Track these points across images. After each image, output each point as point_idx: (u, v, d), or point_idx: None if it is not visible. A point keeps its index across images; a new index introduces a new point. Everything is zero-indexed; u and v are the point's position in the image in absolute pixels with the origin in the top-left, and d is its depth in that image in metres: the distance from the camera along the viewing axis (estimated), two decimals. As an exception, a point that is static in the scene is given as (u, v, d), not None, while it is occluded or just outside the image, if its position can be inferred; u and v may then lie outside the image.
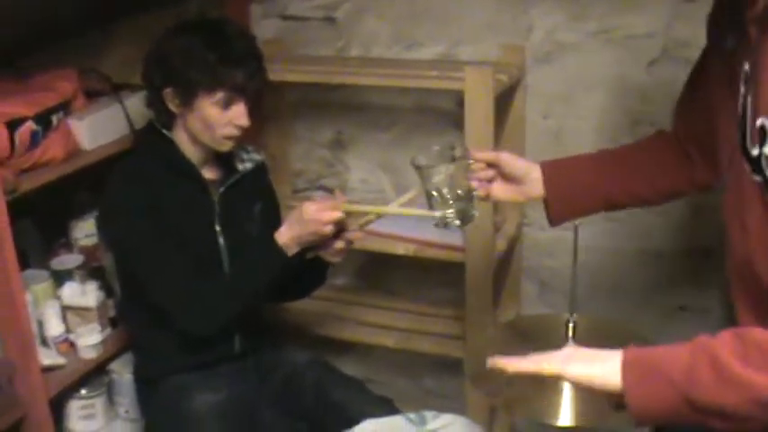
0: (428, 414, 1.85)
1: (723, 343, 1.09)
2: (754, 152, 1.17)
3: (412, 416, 1.86)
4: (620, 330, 1.83)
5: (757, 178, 1.17)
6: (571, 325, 1.64)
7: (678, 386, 1.09)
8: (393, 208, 1.88)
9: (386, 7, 2.60)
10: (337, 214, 1.86)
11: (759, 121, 1.15)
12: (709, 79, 1.45)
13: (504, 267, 2.59)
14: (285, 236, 1.91)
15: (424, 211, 1.73)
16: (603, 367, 1.15)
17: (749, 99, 1.19)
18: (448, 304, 2.68)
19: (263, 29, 2.68)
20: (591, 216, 1.74)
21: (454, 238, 2.31)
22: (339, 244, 1.93)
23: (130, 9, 2.49)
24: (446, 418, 1.84)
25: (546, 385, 1.47)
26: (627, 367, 1.13)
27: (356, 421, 1.84)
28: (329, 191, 2.78)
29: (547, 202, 1.72)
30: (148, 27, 2.40)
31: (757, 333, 1.08)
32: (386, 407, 2.00)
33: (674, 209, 2.38)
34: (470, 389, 2.38)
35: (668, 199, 1.72)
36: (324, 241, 1.92)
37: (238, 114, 1.97)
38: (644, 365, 1.13)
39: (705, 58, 1.52)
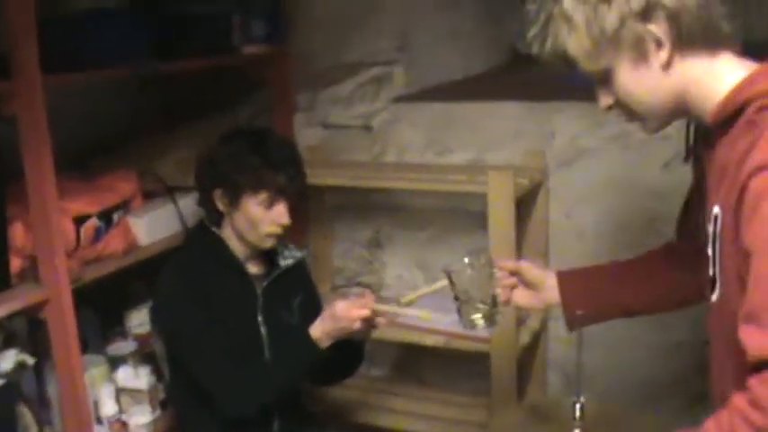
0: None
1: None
2: (709, 251, 1.32)
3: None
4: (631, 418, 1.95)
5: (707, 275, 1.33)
6: (578, 406, 1.77)
7: None
8: (416, 311, 2.04)
9: (419, 116, 2.81)
10: (365, 312, 2.01)
11: (708, 228, 1.31)
12: (697, 195, 1.59)
13: (528, 359, 2.72)
14: (318, 330, 2.06)
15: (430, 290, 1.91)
16: None
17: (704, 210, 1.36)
18: (476, 393, 2.79)
19: (306, 136, 2.91)
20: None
21: (481, 331, 2.45)
22: (368, 331, 2.09)
23: (188, 116, 2.74)
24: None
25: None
26: None
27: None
28: (366, 287, 2.95)
29: (563, 308, 1.84)
30: (202, 132, 2.66)
31: (736, 399, 1.19)
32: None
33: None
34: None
35: (680, 306, 1.81)
36: (354, 332, 2.08)
37: (280, 214, 2.16)
38: None
39: (694, 174, 1.63)
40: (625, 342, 2.64)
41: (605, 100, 1.43)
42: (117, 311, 2.66)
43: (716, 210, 1.27)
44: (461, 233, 2.81)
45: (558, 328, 2.71)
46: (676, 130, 2.43)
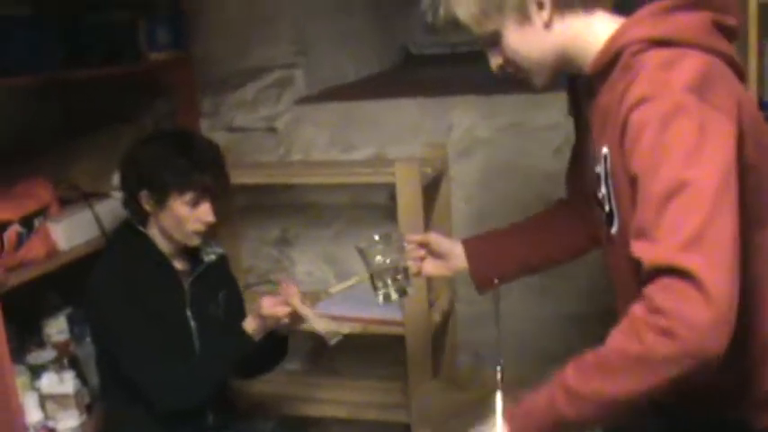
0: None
1: (568, 369, 1.37)
2: (599, 194, 1.48)
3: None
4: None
5: (602, 215, 1.49)
6: (499, 368, 1.90)
7: (549, 419, 1.38)
8: (335, 289, 2.13)
9: (321, 116, 2.92)
10: (287, 309, 2.10)
11: (596, 170, 1.46)
12: (581, 149, 1.75)
13: (440, 341, 2.85)
14: (251, 326, 2.16)
15: (356, 280, 2.02)
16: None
17: (592, 155, 1.51)
18: (391, 379, 2.92)
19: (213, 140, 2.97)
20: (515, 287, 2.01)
21: (394, 315, 2.58)
22: (295, 321, 2.18)
23: (91, 123, 2.78)
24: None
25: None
26: (509, 423, 1.45)
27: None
28: (276, 284, 3.02)
29: (471, 273, 1.98)
30: (110, 141, 2.71)
31: (588, 354, 1.35)
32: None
33: (584, 275, 2.68)
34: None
35: (575, 256, 1.97)
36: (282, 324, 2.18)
37: (205, 212, 2.23)
38: (519, 416, 1.44)
39: (577, 132, 1.78)
40: (520, 316, 2.79)
41: (495, 60, 1.56)
42: (32, 321, 2.67)
43: (604, 150, 1.42)
44: (368, 226, 2.91)
45: (463, 309, 2.88)
46: (564, 118, 2.63)
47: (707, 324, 1.18)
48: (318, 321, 2.12)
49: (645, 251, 1.25)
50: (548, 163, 2.67)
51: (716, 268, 1.19)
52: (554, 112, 2.63)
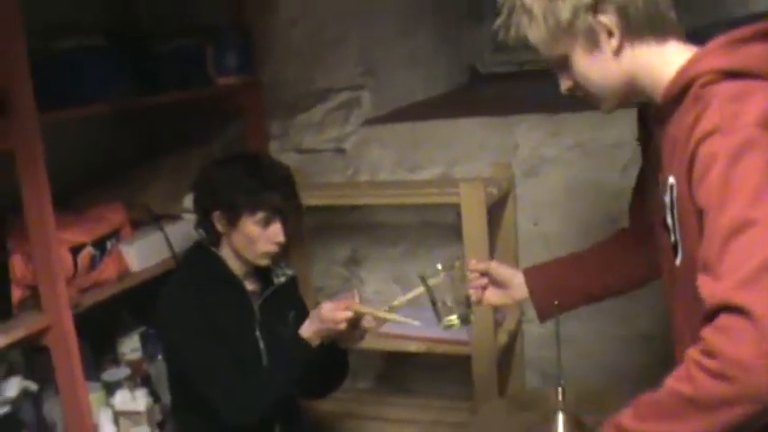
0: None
1: (625, 409, 1.36)
2: (667, 221, 1.46)
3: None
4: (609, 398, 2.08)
5: (668, 243, 1.47)
6: (560, 389, 1.90)
7: None
8: (397, 317, 2.15)
9: (388, 137, 2.96)
10: (348, 314, 2.12)
11: (664, 199, 1.45)
12: (647, 176, 1.74)
13: (507, 359, 2.85)
14: (308, 331, 2.18)
15: (418, 292, 2.03)
16: None
17: (660, 183, 1.50)
18: (459, 398, 2.91)
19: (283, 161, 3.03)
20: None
21: (460, 335, 2.58)
22: (355, 334, 2.21)
23: (164, 148, 2.85)
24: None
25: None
26: None
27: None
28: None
29: (533, 303, 1.98)
30: (180, 165, 2.78)
31: (645, 395, 1.34)
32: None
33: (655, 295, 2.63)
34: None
35: (636, 286, 1.96)
36: (341, 334, 2.19)
37: (276, 232, 2.27)
38: None
39: (643, 159, 1.78)
40: (589, 336, 2.78)
41: (565, 83, 1.57)
42: (107, 340, 2.75)
43: (671, 180, 1.41)
44: (434, 246, 2.95)
45: (531, 329, 2.86)
46: (631, 136, 2.61)
47: (761, 365, 1.15)
48: (388, 315, 2.15)
49: (705, 286, 1.24)
50: (615, 181, 2.65)
51: None
52: (621, 129, 2.60)
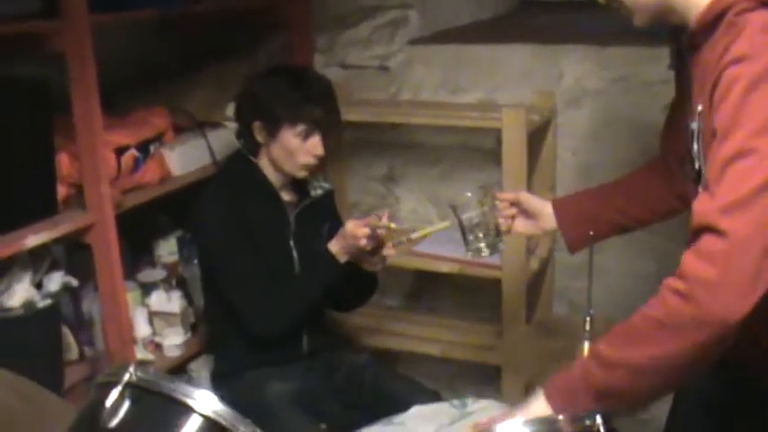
0: (468, 399, 2.11)
1: (602, 338, 1.38)
2: (693, 151, 1.47)
3: (455, 402, 2.11)
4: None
5: (693, 172, 1.48)
6: (588, 318, 1.92)
7: (585, 389, 1.37)
8: (418, 234, 2.20)
9: (433, 58, 2.94)
10: (366, 231, 2.17)
11: (692, 126, 1.46)
12: (680, 104, 1.74)
13: (536, 287, 2.88)
14: (335, 246, 2.24)
15: (443, 226, 2.07)
16: (536, 406, 1.43)
17: (689, 111, 1.50)
18: (486, 320, 2.96)
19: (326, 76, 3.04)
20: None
21: (493, 259, 2.61)
22: (374, 260, 2.27)
23: (207, 58, 2.87)
24: (484, 403, 2.10)
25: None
26: (548, 398, 1.42)
27: (408, 408, 2.11)
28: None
29: (562, 233, 2.01)
30: (224, 74, 2.79)
31: (621, 322, 1.36)
32: (433, 396, 2.29)
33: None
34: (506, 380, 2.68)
35: (666, 217, 1.97)
36: (365, 252, 2.24)
37: (315, 145, 2.30)
38: (556, 390, 1.42)
39: (677, 87, 1.78)
40: (619, 272, 2.79)
41: None
42: (145, 242, 2.82)
43: (699, 107, 1.42)
44: (472, 169, 2.96)
45: (563, 258, 2.88)
46: (672, 75, 2.59)
47: (726, 288, 1.19)
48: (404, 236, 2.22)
49: (700, 203, 1.27)
50: (657, 117, 2.61)
51: (756, 232, 1.20)
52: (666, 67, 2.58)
